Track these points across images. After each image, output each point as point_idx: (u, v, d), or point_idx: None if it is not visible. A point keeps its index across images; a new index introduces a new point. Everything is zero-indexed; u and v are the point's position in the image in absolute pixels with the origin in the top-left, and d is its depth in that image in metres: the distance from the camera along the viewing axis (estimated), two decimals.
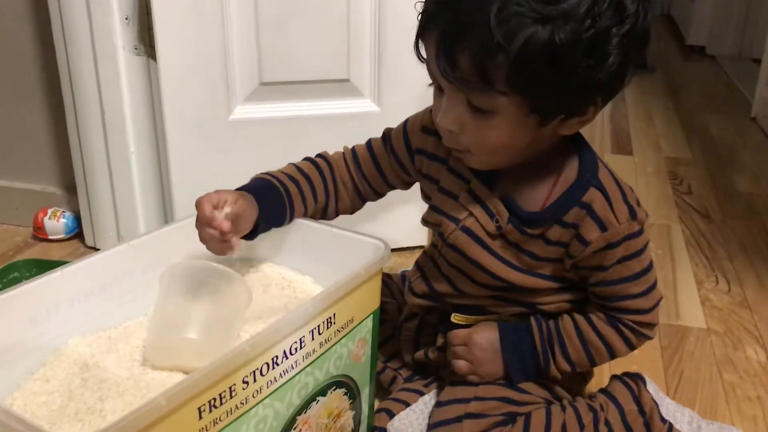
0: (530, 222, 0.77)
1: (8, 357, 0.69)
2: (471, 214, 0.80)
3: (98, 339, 0.74)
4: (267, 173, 0.85)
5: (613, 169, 0.79)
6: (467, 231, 0.80)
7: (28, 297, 0.70)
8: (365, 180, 0.89)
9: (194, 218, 0.86)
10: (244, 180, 1.23)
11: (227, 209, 0.73)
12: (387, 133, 0.89)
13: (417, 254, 1.39)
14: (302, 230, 0.85)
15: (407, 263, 1.35)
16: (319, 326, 0.69)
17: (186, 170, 1.24)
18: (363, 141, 1.27)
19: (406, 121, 0.88)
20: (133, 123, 1.27)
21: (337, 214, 0.91)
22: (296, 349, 0.66)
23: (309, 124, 1.26)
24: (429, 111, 0.83)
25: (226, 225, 0.72)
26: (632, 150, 2.02)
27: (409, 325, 0.94)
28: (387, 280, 1.04)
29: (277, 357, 0.64)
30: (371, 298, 0.77)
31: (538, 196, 0.78)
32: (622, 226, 0.75)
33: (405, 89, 1.27)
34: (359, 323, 0.76)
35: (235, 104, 1.23)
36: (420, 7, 0.71)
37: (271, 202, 0.81)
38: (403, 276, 1.06)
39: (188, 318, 0.71)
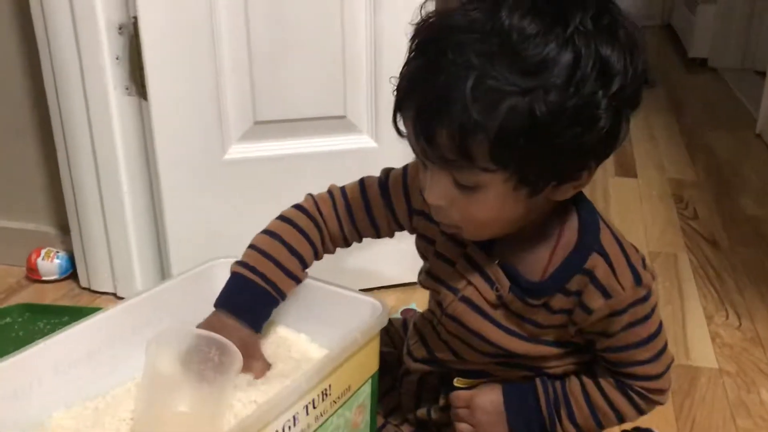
0: (532, 292, 0.74)
1: None
2: (470, 283, 0.76)
3: (84, 411, 0.71)
4: (249, 267, 0.80)
5: (616, 228, 0.75)
6: (467, 301, 0.76)
7: (10, 370, 0.67)
8: (356, 231, 0.85)
9: (185, 277, 0.84)
10: (239, 220, 1.22)
11: None
12: (384, 182, 0.84)
13: (417, 290, 1.37)
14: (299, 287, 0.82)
15: (408, 299, 1.32)
16: (314, 400, 0.66)
17: (180, 211, 1.21)
18: (363, 176, 1.25)
19: (405, 174, 0.83)
20: (126, 163, 1.24)
21: None
22: (290, 427, 0.63)
23: (306, 162, 1.23)
24: None
25: None
26: (636, 172, 1.99)
27: (410, 378, 0.91)
28: (386, 326, 1.00)
29: None
30: (369, 361, 0.74)
31: (538, 262, 0.74)
32: (626, 293, 0.71)
33: None
34: (357, 390, 0.73)
35: (230, 144, 1.20)
36: (395, 81, 0.67)
37: (267, 312, 0.79)
38: (405, 321, 1.03)
39: (178, 390, 0.68)
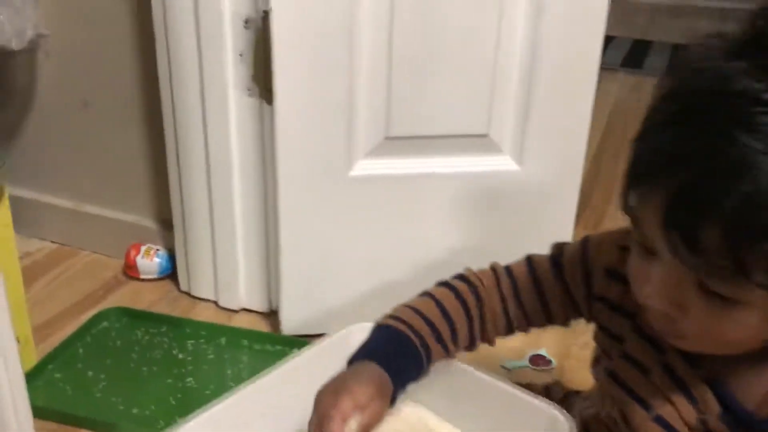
0: (749, 424, 0.59)
1: None
2: (668, 401, 0.61)
3: None
4: (401, 319, 0.68)
5: None
6: (662, 423, 0.62)
7: None
8: (523, 315, 0.71)
9: (320, 347, 0.73)
10: (361, 242, 1.10)
11: (353, 425, 0.59)
12: (557, 257, 0.71)
13: (545, 332, 1.21)
14: (457, 374, 0.69)
15: (536, 343, 1.17)
16: None
17: (297, 226, 1.10)
18: (499, 202, 1.11)
19: (585, 250, 0.69)
20: (241, 168, 1.13)
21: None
22: None
23: (438, 183, 1.10)
24: (616, 247, 0.65)
25: None
26: None
27: None
28: None
29: None
30: None
31: (758, 385, 0.59)
32: None
33: (552, 147, 1.09)
34: None
35: (357, 158, 1.07)
36: (634, 147, 0.53)
37: (410, 369, 0.66)
38: (548, 389, 0.88)
39: None
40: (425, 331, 0.68)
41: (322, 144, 1.05)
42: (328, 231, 1.10)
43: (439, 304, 0.70)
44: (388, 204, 1.09)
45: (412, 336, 0.67)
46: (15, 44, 1.17)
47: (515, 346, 1.17)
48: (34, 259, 1.36)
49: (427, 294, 0.71)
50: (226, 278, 1.22)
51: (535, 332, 1.20)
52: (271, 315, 1.21)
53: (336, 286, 1.14)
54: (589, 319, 0.70)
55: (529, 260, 0.72)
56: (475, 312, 0.70)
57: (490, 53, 1.02)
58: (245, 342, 1.14)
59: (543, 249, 1.17)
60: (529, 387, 0.78)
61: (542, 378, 1.09)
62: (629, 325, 0.64)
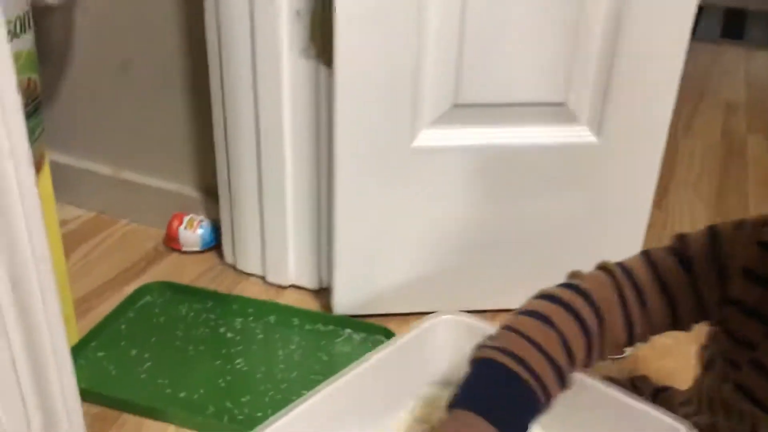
0: None
1: None
2: None
3: None
4: (512, 352, 0.56)
5: None
6: None
7: None
8: (648, 326, 0.61)
9: (402, 342, 0.65)
10: (421, 218, 1.02)
11: None
12: (681, 253, 0.61)
13: None
14: None
15: None
16: None
17: (353, 199, 1.02)
18: (575, 177, 1.02)
19: (716, 242, 0.59)
20: (293, 135, 1.05)
21: None
22: None
23: (509, 155, 1.01)
24: (754, 244, 0.56)
25: None
26: None
27: None
28: None
29: None
30: None
31: None
32: None
33: (634, 119, 0.99)
34: None
35: (421, 128, 0.98)
36: None
37: (528, 423, 0.55)
38: (632, 383, 0.81)
39: None
40: (542, 367, 0.56)
41: (384, 110, 0.96)
42: (386, 205, 1.02)
43: (553, 326, 0.58)
44: (453, 178, 1.01)
45: (529, 377, 0.55)
46: (52, 0, 1.10)
47: None
48: (70, 228, 1.30)
49: (534, 312, 0.59)
50: (275, 253, 1.14)
51: None
52: (321, 292, 1.15)
53: (393, 265, 1.06)
54: (715, 323, 0.61)
55: (647, 256, 0.62)
56: (594, 332, 0.59)
57: (573, 13, 0.92)
58: (296, 321, 1.07)
59: (619, 229, 1.08)
60: (611, 381, 0.70)
61: (615, 368, 1.01)
62: (764, 331, 0.56)
